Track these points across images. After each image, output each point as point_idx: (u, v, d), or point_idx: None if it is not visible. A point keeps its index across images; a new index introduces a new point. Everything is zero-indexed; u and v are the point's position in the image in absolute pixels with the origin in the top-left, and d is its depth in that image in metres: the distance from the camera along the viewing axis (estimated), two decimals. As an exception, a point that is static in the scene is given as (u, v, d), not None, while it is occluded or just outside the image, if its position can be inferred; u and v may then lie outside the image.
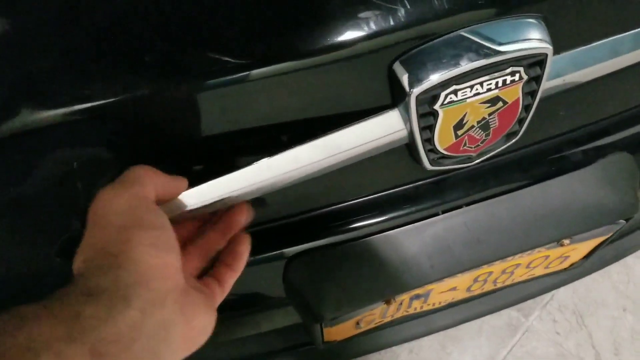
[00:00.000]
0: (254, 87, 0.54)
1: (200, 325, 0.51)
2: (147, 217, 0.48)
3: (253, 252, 0.61)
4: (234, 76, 0.53)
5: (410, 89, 0.56)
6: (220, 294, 0.57)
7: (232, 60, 0.53)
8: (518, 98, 0.61)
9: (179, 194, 0.55)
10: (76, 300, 0.41)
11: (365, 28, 0.54)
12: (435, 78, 0.55)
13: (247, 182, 0.57)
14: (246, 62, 0.53)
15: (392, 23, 0.54)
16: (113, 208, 0.48)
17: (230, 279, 0.59)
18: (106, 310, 0.41)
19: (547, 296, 1.46)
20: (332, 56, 0.54)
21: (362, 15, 0.54)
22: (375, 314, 0.92)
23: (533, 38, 0.57)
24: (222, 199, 0.57)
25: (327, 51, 0.54)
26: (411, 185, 0.76)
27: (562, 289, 1.45)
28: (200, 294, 0.52)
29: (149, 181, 0.51)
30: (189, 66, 0.52)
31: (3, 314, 0.39)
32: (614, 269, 1.49)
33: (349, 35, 0.53)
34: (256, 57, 0.53)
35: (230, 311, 0.78)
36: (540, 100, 0.65)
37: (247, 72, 0.52)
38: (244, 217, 0.60)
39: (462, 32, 0.55)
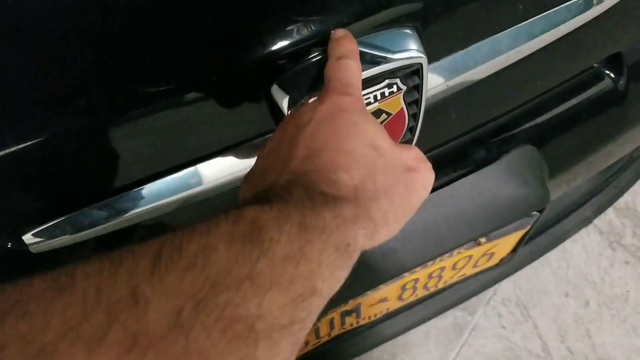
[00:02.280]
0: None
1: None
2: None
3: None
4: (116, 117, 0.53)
5: (287, 111, 0.55)
6: None
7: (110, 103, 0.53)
8: (402, 108, 0.62)
9: None
10: (327, 257, 0.38)
11: (239, 54, 0.54)
12: (310, 97, 0.55)
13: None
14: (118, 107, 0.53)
15: (265, 47, 0.54)
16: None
17: None
18: (334, 291, 0.39)
19: (489, 292, 1.47)
20: (211, 85, 0.54)
21: (235, 40, 0.53)
22: (308, 336, 0.91)
23: (405, 49, 0.58)
24: None
25: (206, 80, 0.54)
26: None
27: (503, 283, 1.46)
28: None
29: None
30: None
31: (255, 242, 0.35)
32: (553, 255, 1.51)
33: (224, 62, 0.53)
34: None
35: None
36: (429, 106, 0.65)
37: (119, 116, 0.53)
38: None
39: (331, 50, 0.55)
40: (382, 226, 0.44)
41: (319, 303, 0.37)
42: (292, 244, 0.36)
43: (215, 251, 0.34)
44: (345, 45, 0.54)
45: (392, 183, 0.46)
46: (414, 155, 0.51)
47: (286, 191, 0.41)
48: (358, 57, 0.53)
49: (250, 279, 0.33)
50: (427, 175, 0.51)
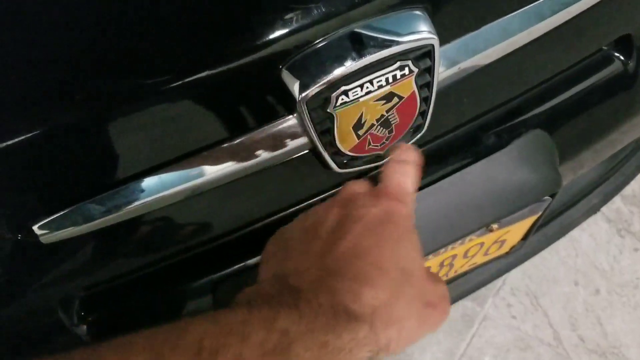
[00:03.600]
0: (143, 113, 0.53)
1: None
2: None
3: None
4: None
5: (299, 95, 0.55)
6: None
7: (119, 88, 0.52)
8: (413, 91, 0.61)
9: None
10: None
11: (248, 39, 0.53)
12: (321, 81, 0.54)
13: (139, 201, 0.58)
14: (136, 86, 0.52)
15: (273, 32, 0.53)
16: None
17: None
18: None
19: (498, 282, 1.46)
20: (219, 71, 0.53)
21: (242, 25, 0.53)
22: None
23: (416, 30, 0.57)
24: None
25: (212, 67, 0.53)
26: (331, 191, 0.75)
27: (512, 273, 1.46)
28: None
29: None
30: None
31: None
32: (561, 244, 1.51)
33: (233, 48, 0.53)
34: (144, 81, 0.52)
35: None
36: (440, 89, 0.65)
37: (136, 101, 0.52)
38: None
39: (342, 32, 0.55)
40: (382, 351, 0.46)
41: None
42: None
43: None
44: (411, 153, 0.56)
45: (408, 314, 0.48)
46: (439, 292, 0.52)
47: (315, 296, 0.43)
48: (419, 166, 0.56)
49: None
50: (443, 314, 0.52)
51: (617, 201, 1.58)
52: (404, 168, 0.55)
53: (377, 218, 0.49)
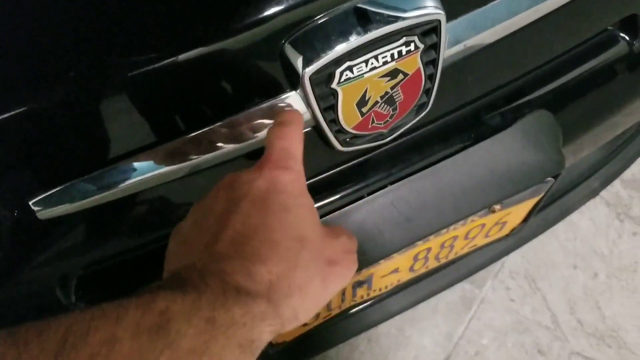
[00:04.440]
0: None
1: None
2: None
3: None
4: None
5: (302, 70, 0.54)
6: None
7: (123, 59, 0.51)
8: (419, 68, 0.60)
9: None
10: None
11: (251, 13, 0.52)
12: (325, 56, 0.53)
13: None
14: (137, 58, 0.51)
15: (275, 6, 0.52)
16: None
17: None
18: None
19: (497, 265, 1.46)
20: (221, 45, 0.52)
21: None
22: (319, 308, 0.89)
23: (423, 5, 0.56)
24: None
25: (214, 41, 0.52)
26: (333, 170, 0.74)
27: (511, 256, 1.45)
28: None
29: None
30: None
31: None
32: (560, 228, 1.50)
33: (235, 22, 0.51)
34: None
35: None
36: (445, 67, 0.64)
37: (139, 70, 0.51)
38: None
39: (346, 7, 0.54)
40: (291, 322, 0.45)
41: None
42: (198, 338, 0.37)
43: (120, 342, 0.35)
44: (289, 114, 0.54)
45: (309, 278, 0.47)
46: (340, 247, 0.52)
47: (202, 280, 0.41)
48: (302, 125, 0.54)
49: None
50: (349, 268, 0.51)
51: (616, 185, 1.57)
52: (284, 131, 0.52)
53: (262, 191, 0.47)
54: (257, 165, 0.50)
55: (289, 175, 0.49)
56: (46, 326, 0.35)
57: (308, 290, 0.46)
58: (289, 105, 0.58)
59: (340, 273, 0.50)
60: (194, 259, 0.45)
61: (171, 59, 0.51)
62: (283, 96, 0.58)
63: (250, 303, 0.41)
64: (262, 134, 0.59)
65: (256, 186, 0.47)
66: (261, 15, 0.52)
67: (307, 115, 0.59)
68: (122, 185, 0.58)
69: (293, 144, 0.52)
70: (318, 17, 0.54)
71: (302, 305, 0.46)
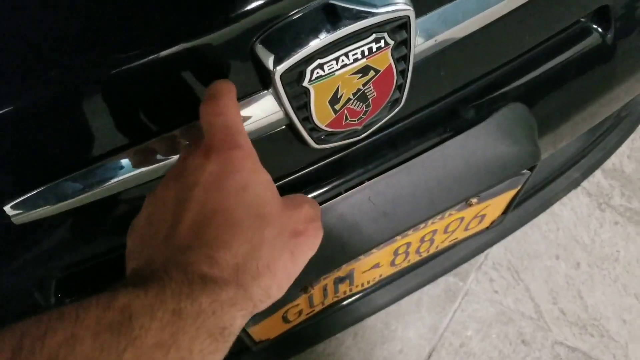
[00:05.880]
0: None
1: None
2: None
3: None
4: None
5: (273, 69, 0.54)
6: None
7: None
8: (390, 65, 0.60)
9: None
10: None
11: (221, 12, 0.52)
12: (295, 55, 0.53)
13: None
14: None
15: (246, 4, 0.52)
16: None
17: None
18: None
19: (481, 257, 1.47)
20: (191, 45, 0.52)
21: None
22: (300, 305, 0.90)
23: (392, 2, 0.56)
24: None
25: (185, 41, 0.52)
26: (309, 168, 0.74)
27: (494, 248, 1.46)
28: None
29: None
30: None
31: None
32: (542, 219, 1.52)
33: (206, 22, 0.52)
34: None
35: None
36: (417, 63, 0.64)
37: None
38: None
39: (315, 4, 0.54)
40: (263, 301, 0.44)
41: None
42: (164, 331, 0.36)
43: (80, 342, 0.33)
44: (221, 83, 0.51)
45: (277, 254, 0.45)
46: (303, 216, 0.49)
47: (165, 273, 0.40)
48: (235, 95, 0.51)
49: None
50: (315, 236, 0.50)
51: (597, 175, 1.59)
52: (221, 105, 0.48)
53: (215, 174, 0.45)
54: (203, 149, 0.46)
55: (240, 152, 0.46)
56: (1, 334, 0.33)
57: (277, 266, 0.45)
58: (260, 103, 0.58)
59: (306, 243, 0.48)
60: (154, 254, 0.43)
61: (140, 60, 0.51)
62: (255, 95, 0.58)
63: (217, 290, 0.40)
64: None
65: (208, 171, 0.45)
66: (232, 14, 0.52)
67: (280, 114, 0.60)
68: (100, 187, 0.58)
69: (235, 117, 0.48)
70: (288, 15, 0.54)
71: (273, 282, 0.45)
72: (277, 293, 0.45)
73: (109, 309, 0.35)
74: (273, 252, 0.45)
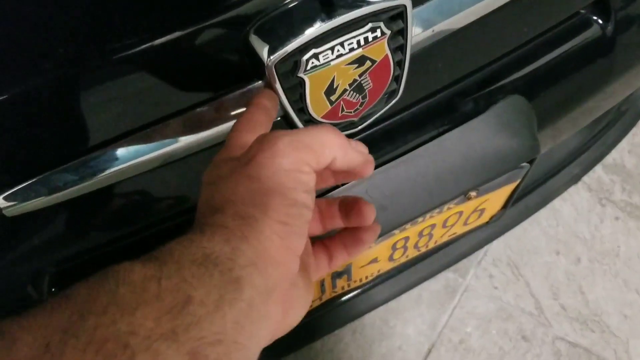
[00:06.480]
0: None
1: (293, 319, 0.46)
2: (297, 188, 0.41)
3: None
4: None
5: (267, 59, 0.53)
6: (324, 270, 0.53)
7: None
8: (386, 55, 0.59)
9: (358, 177, 0.51)
10: (188, 270, 0.36)
11: (214, 2, 0.51)
12: (289, 44, 0.53)
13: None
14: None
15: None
16: (274, 163, 0.42)
17: (342, 261, 0.54)
18: (216, 297, 0.35)
19: (480, 253, 1.46)
20: (186, 35, 0.52)
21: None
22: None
23: (388, -10, 0.55)
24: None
25: (180, 30, 0.51)
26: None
27: (494, 244, 1.45)
28: (304, 278, 0.48)
29: (329, 153, 0.44)
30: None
31: (110, 277, 0.35)
32: (542, 214, 1.51)
33: (201, 11, 0.51)
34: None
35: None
36: (414, 54, 0.63)
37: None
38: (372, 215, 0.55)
39: (310, -7, 0.53)
40: (249, 223, 0.40)
41: (204, 310, 0.35)
42: (148, 267, 0.36)
43: (76, 290, 0.34)
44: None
45: (233, 186, 0.43)
46: (252, 146, 0.45)
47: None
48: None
49: (115, 303, 0.33)
50: (268, 149, 0.43)
51: (598, 170, 1.58)
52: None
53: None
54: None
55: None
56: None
57: (238, 192, 0.42)
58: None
59: (261, 157, 0.42)
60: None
61: (133, 50, 0.50)
62: (250, 86, 0.57)
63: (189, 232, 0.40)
64: (228, 124, 0.58)
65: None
66: (226, 3, 0.51)
67: (275, 105, 0.59)
68: (94, 179, 0.57)
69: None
70: (283, 4, 0.53)
71: (242, 207, 0.41)
72: (259, 209, 0.41)
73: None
74: (229, 185, 0.43)
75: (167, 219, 0.68)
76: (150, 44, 0.51)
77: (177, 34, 0.51)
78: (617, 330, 1.36)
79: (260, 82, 0.57)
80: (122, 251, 0.68)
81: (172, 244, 0.38)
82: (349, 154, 0.46)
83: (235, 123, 0.50)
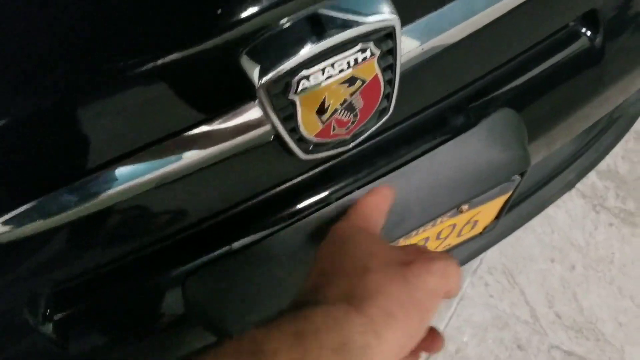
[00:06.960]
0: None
1: None
2: (432, 311, 0.51)
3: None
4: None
5: (258, 81, 0.54)
6: None
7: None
8: (376, 74, 0.60)
9: None
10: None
11: (206, 23, 0.52)
12: (280, 66, 0.53)
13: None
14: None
15: (233, 14, 0.51)
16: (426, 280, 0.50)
17: None
18: None
19: (475, 261, 1.47)
20: (178, 56, 0.52)
21: (201, 9, 0.51)
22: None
23: (376, 11, 0.56)
24: None
25: (172, 53, 0.52)
26: (298, 178, 0.74)
27: (489, 252, 1.46)
28: None
29: (456, 292, 0.55)
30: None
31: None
32: (537, 222, 1.51)
33: (193, 34, 0.51)
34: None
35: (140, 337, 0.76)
36: (405, 71, 0.64)
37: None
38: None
39: (301, 15, 0.53)
40: (386, 321, 0.46)
41: None
42: (293, 351, 0.41)
43: None
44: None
45: (387, 280, 0.49)
46: (410, 250, 0.55)
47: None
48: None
49: None
50: (427, 264, 0.52)
51: (592, 176, 1.59)
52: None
53: None
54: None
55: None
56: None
57: (391, 289, 0.49)
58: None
59: (419, 270, 0.51)
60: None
61: (124, 73, 0.51)
62: (242, 107, 0.58)
63: (329, 308, 0.46)
64: (223, 145, 0.59)
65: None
66: (219, 26, 0.52)
67: (267, 126, 0.59)
68: (90, 202, 0.57)
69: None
70: (274, 26, 0.54)
71: (392, 304, 0.47)
72: (405, 316, 0.47)
73: (242, 340, 0.42)
74: (383, 277, 0.50)
75: (163, 239, 0.69)
76: (141, 68, 0.51)
77: (169, 56, 0.51)
78: (612, 337, 1.37)
79: (252, 102, 0.58)
80: (115, 273, 0.68)
81: (316, 317, 0.44)
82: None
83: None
